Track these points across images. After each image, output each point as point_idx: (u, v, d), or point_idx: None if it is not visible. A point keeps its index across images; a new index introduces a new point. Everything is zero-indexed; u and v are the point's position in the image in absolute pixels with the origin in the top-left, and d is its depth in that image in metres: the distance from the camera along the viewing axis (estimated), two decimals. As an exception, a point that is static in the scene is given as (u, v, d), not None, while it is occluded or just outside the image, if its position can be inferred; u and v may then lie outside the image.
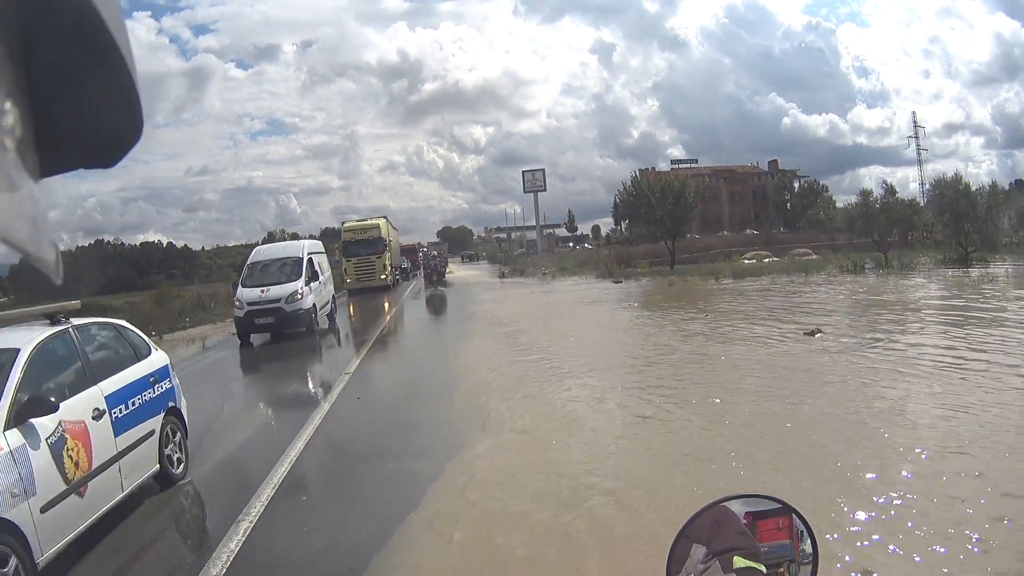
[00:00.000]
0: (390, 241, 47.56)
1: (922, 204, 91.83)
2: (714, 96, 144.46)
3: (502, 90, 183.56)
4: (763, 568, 1.54)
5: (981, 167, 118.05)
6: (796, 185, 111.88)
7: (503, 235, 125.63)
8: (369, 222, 48.06)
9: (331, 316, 27.24)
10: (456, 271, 70.76)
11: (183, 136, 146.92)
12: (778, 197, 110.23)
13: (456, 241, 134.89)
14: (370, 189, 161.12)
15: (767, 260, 52.23)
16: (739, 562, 1.53)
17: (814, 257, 50.58)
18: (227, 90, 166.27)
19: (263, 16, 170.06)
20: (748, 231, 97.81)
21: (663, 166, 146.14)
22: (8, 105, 0.61)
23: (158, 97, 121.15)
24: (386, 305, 35.88)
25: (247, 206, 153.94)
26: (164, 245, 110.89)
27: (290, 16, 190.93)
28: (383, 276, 45.42)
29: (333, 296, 28.07)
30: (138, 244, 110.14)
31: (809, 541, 1.64)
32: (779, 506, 1.65)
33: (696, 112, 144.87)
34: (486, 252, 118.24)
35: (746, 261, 53.07)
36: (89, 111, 0.78)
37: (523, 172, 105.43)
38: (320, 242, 30.08)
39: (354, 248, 46.01)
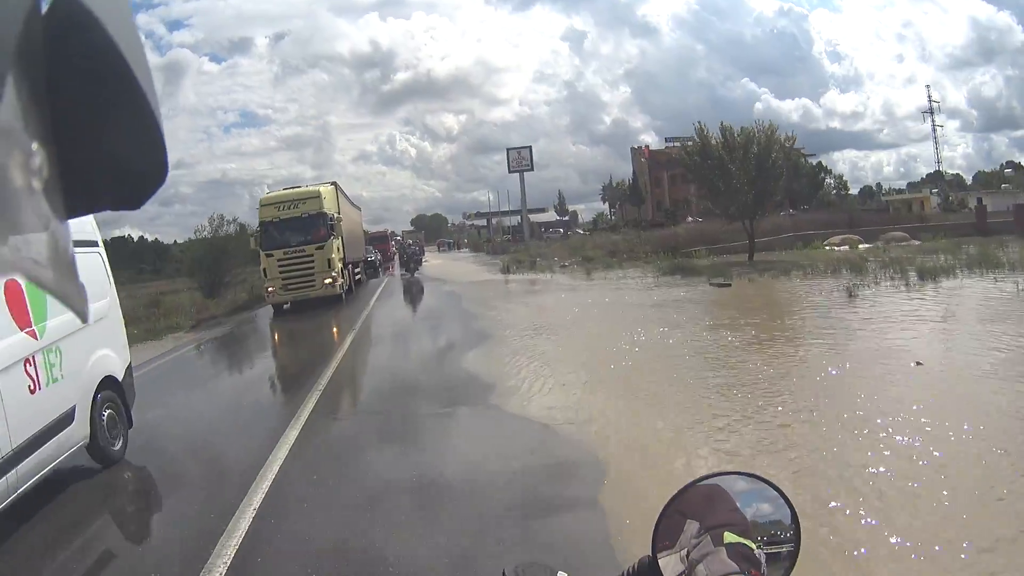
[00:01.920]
0: (338, 220, 27.96)
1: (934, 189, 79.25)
2: (686, 82, 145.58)
3: (474, 78, 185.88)
4: (752, 544, 1.44)
5: (956, 150, 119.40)
6: (805, 163, 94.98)
7: (482, 221, 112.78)
8: (304, 189, 27.68)
9: (109, 441, 8.08)
10: (435, 261, 59.05)
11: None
12: (786, 177, 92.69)
13: (431, 229, 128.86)
14: (343, 179, 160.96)
15: (864, 247, 37.47)
16: (729, 537, 1.44)
17: (916, 242, 36.78)
18: (201, 84, 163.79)
19: (236, 10, 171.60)
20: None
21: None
22: (35, 146, 0.61)
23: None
24: (332, 334, 19.32)
25: (221, 198, 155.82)
26: (135, 240, 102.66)
27: (263, 9, 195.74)
28: (328, 280, 25.73)
29: (129, 369, 8.95)
30: (108, 239, 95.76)
31: (792, 523, 1.49)
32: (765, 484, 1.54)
33: (668, 98, 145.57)
34: (468, 239, 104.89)
35: (836, 248, 38.07)
36: (114, 153, 0.73)
37: (508, 150, 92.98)
38: None
39: (278, 234, 26.10)
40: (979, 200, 63.07)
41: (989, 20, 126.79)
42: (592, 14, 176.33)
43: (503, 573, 1.49)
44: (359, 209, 41.47)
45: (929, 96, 79.82)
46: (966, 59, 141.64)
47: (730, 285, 23.56)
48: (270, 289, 25.67)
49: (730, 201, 35.27)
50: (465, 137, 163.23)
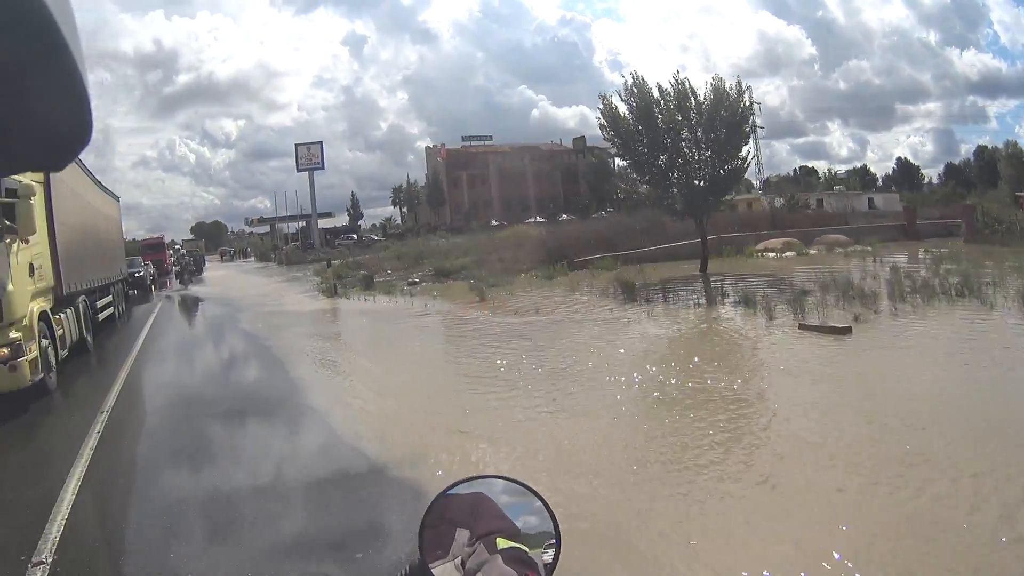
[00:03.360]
0: (31, 194, 10.58)
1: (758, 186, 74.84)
2: (464, 88, 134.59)
3: (254, 82, 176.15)
4: (525, 547, 1.45)
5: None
6: (615, 164, 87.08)
7: (264, 228, 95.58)
8: None
9: None
10: (218, 273, 48.89)
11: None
12: (595, 177, 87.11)
13: (211, 237, 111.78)
14: (123, 186, 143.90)
15: (811, 252, 30.20)
16: (502, 543, 1.44)
17: (867, 248, 29.24)
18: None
19: None
20: (564, 216, 76.24)
21: (412, 158, 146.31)
22: None
23: None
24: None
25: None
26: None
27: None
28: None
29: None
30: None
31: (552, 524, 1.49)
32: (525, 490, 1.54)
33: (445, 104, 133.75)
34: (251, 247, 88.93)
35: (778, 254, 30.34)
36: (38, 113, 0.69)
37: (296, 146, 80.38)
38: None
39: None
40: (871, 201, 61.27)
41: (778, 33, 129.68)
42: (374, 19, 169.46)
43: None
44: (115, 198, 25.38)
45: (751, 98, 74.23)
46: (751, 70, 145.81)
47: (850, 331, 12.44)
48: None
49: (683, 187, 23.46)
50: (243, 143, 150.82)
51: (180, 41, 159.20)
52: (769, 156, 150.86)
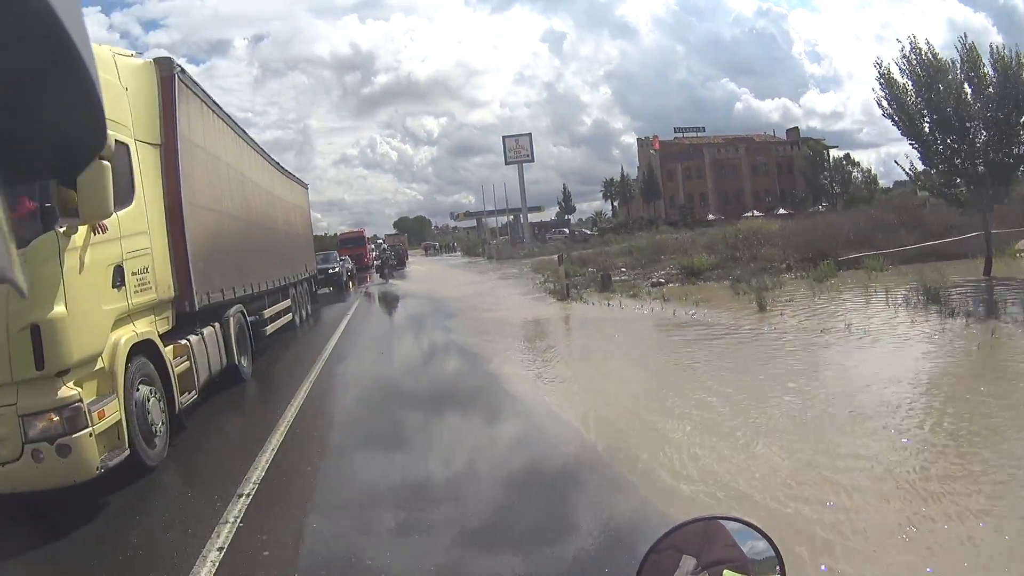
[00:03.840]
0: (130, 150, 7.03)
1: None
2: (666, 83, 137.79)
3: (454, 81, 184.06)
4: None
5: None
6: (829, 156, 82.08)
7: (470, 222, 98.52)
8: None
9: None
10: (422, 268, 48.20)
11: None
12: (811, 170, 79.98)
13: (413, 232, 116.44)
14: (324, 183, 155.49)
15: None
16: (729, 575, 1.36)
17: None
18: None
19: (214, 11, 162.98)
20: (781, 211, 68.75)
21: (616, 153, 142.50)
22: None
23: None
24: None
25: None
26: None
27: (241, 10, 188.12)
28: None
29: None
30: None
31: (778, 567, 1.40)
32: (753, 529, 1.45)
33: (649, 99, 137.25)
34: (457, 241, 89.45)
35: None
36: (50, 119, 0.67)
37: (504, 138, 78.80)
38: None
39: None
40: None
41: (965, 22, 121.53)
42: (571, 15, 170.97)
43: None
44: (302, 185, 22.90)
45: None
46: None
47: None
48: None
49: (970, 174, 18.76)
50: (446, 140, 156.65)
51: (376, 43, 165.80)
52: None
